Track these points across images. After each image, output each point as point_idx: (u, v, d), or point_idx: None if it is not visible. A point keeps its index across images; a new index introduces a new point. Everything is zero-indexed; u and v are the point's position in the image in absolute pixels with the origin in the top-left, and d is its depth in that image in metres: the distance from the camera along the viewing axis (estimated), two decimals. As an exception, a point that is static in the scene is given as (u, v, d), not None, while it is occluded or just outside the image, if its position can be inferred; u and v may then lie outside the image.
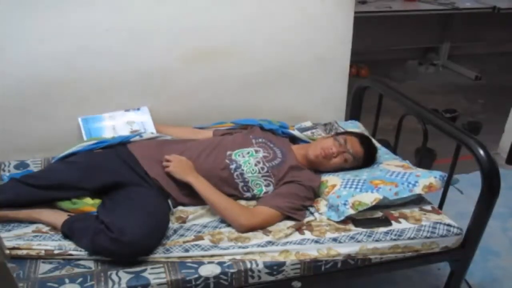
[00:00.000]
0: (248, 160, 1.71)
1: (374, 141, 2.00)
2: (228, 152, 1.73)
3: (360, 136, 1.82)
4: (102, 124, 1.99)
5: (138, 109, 2.05)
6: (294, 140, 1.99)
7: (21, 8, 1.77)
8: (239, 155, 1.73)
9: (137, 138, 1.85)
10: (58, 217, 1.51)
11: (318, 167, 1.78)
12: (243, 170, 1.68)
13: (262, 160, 1.72)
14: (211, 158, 1.71)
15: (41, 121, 1.97)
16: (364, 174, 1.71)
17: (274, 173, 1.70)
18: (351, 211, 1.56)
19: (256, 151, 1.76)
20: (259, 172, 1.69)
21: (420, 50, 4.91)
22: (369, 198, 1.58)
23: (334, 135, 1.84)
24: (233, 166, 1.69)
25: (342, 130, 2.11)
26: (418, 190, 1.62)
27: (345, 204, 1.57)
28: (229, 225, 1.56)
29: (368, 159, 1.81)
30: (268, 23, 2.09)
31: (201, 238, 1.49)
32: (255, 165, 1.70)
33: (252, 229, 1.53)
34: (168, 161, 1.66)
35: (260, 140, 1.82)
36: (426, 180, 1.63)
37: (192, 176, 1.61)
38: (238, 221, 1.53)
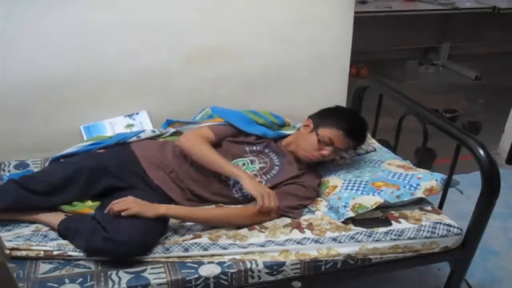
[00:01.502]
0: None
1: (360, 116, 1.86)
2: None
3: (343, 128, 1.66)
4: (104, 130, 2.02)
5: (137, 113, 2.08)
6: None
7: (21, 8, 1.77)
8: None
9: (134, 138, 1.83)
10: (57, 218, 1.51)
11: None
12: (241, 185, 1.62)
13: (259, 172, 1.69)
14: (210, 171, 1.65)
15: (41, 121, 1.97)
16: (366, 174, 1.71)
17: (273, 185, 1.67)
18: (351, 214, 1.56)
19: (252, 162, 1.72)
20: None
21: (420, 50, 4.91)
22: (370, 201, 1.58)
23: (315, 132, 1.69)
24: (231, 182, 1.67)
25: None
26: (419, 193, 1.61)
27: (345, 207, 1.57)
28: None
29: (358, 142, 1.75)
30: (268, 23, 2.09)
31: (200, 236, 1.49)
32: None
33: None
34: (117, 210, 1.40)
35: (254, 148, 1.77)
36: (427, 183, 1.63)
37: (161, 208, 1.46)
38: (241, 222, 1.55)
